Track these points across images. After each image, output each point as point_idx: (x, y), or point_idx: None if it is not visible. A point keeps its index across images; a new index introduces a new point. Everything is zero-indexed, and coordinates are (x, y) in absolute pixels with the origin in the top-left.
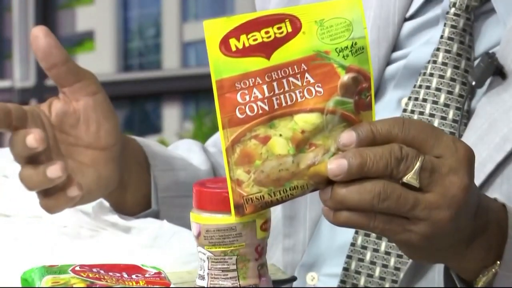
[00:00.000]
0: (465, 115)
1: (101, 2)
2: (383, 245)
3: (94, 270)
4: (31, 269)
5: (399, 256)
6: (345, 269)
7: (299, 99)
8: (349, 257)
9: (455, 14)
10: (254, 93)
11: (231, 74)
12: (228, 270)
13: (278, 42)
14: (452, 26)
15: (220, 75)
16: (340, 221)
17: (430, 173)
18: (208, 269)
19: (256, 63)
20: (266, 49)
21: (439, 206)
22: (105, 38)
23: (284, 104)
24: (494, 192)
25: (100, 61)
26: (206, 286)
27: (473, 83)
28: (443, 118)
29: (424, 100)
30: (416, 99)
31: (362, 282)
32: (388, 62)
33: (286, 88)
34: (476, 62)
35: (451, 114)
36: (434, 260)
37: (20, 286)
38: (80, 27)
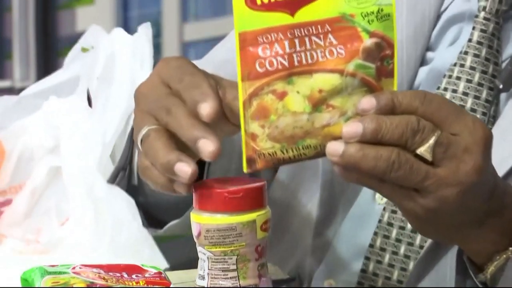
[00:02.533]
0: (491, 121)
1: (101, 2)
2: (403, 248)
3: (94, 270)
4: (31, 269)
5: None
6: (363, 270)
7: (320, 59)
8: (367, 258)
9: (484, 18)
10: (275, 48)
11: (255, 28)
12: (228, 270)
13: (304, 0)
14: (482, 30)
15: (243, 27)
16: (351, 179)
17: (445, 148)
18: (208, 269)
19: (280, 18)
20: (291, 5)
21: (448, 182)
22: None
23: (304, 62)
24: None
25: None
26: (206, 286)
27: (500, 86)
28: None
29: None
30: None
31: (380, 283)
32: (422, 62)
33: (308, 47)
34: (503, 65)
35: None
36: (443, 238)
37: (20, 286)
38: (80, 27)
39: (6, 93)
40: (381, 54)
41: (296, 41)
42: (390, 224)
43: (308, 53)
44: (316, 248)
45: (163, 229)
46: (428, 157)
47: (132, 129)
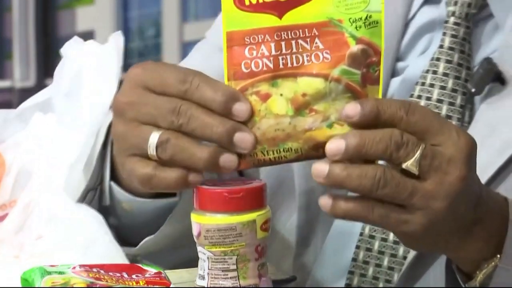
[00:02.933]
0: (466, 126)
1: (101, 2)
2: (386, 260)
3: (94, 270)
4: (31, 269)
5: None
6: (347, 285)
7: (306, 63)
8: (351, 273)
9: (455, 23)
10: (261, 50)
11: (242, 28)
12: (228, 270)
13: (293, 3)
14: (453, 36)
15: (231, 27)
16: (338, 213)
17: (430, 161)
18: (208, 269)
19: (268, 20)
20: (279, 8)
21: (436, 195)
22: (105, 38)
23: (289, 65)
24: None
25: None
26: (206, 286)
27: (473, 90)
28: None
29: None
30: None
31: None
32: (392, 73)
33: (294, 50)
34: (475, 69)
35: (461, 122)
36: (433, 249)
37: (20, 286)
38: (80, 27)
39: (6, 93)
40: (367, 60)
41: (283, 43)
42: (371, 237)
43: (294, 56)
44: (298, 269)
45: (137, 246)
46: (415, 171)
47: (104, 145)
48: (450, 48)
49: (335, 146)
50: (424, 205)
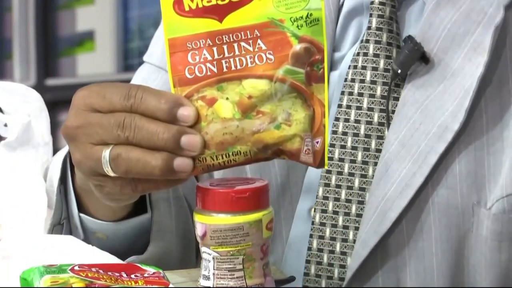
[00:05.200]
0: (393, 108)
1: (101, 2)
2: (338, 246)
3: (93, 269)
4: (30, 268)
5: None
6: (306, 274)
7: (249, 65)
8: (307, 261)
9: (380, 3)
10: (204, 54)
11: (183, 34)
12: (234, 270)
13: (233, 6)
14: (379, 16)
15: (172, 34)
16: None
17: None
18: (214, 269)
19: (208, 24)
20: (219, 11)
21: None
22: (105, 38)
23: (233, 68)
24: (441, 187)
25: (100, 61)
26: (212, 286)
27: (399, 70)
28: (382, 110)
29: (360, 94)
30: (351, 93)
31: (323, 284)
32: (331, 65)
33: (237, 52)
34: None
35: (390, 106)
36: None
37: (20, 285)
38: (80, 27)
39: None
40: (310, 59)
41: (225, 47)
42: (322, 224)
43: (237, 59)
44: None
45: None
46: None
47: (62, 179)
48: (378, 29)
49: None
50: None
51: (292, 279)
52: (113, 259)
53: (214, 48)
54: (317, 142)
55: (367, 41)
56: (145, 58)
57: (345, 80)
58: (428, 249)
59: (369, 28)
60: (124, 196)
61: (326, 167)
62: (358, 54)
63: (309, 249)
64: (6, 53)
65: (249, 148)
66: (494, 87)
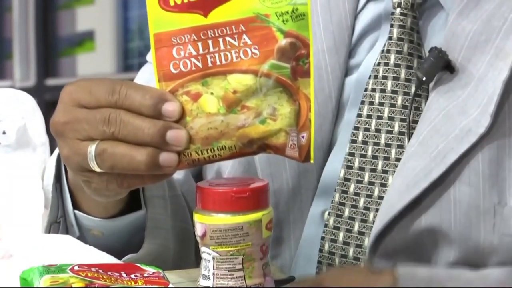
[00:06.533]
0: (418, 114)
1: (101, 2)
2: (351, 251)
3: (93, 269)
4: (30, 268)
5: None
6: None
7: (235, 59)
8: (319, 262)
9: (401, 14)
10: (189, 49)
11: (169, 29)
12: (234, 269)
13: (218, 1)
14: (400, 26)
15: (157, 28)
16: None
17: None
18: (214, 269)
19: (193, 19)
20: (204, 6)
21: None
22: (105, 38)
23: (218, 63)
24: (462, 184)
25: (100, 61)
26: (211, 286)
27: (423, 78)
28: (403, 120)
29: (381, 104)
30: (372, 103)
31: None
32: (346, 71)
33: (222, 47)
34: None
35: (411, 116)
36: None
37: (19, 285)
38: (80, 27)
39: None
40: (296, 53)
41: (210, 42)
42: (336, 228)
43: (222, 54)
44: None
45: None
46: None
47: (57, 178)
48: (399, 39)
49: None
50: None
51: (291, 278)
52: (111, 259)
53: (199, 43)
54: (303, 137)
55: (388, 51)
56: (148, 57)
57: (365, 90)
58: (448, 248)
59: (390, 38)
60: (111, 192)
61: (312, 161)
62: (379, 64)
63: (320, 251)
64: (6, 53)
65: (234, 143)
66: None
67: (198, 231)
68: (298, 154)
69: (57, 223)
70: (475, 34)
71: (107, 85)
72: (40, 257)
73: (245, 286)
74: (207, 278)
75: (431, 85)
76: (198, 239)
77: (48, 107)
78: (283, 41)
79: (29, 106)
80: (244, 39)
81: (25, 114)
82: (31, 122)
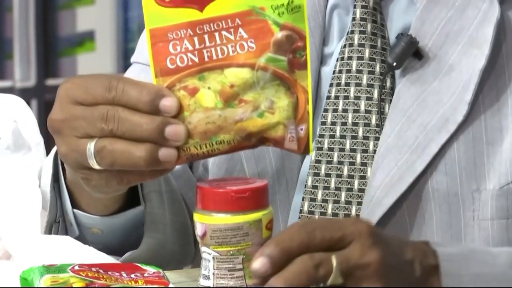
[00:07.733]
0: (389, 92)
1: (101, 2)
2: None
3: (93, 269)
4: (30, 268)
5: None
6: None
7: (231, 53)
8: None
9: None
10: (185, 44)
11: (164, 24)
12: (234, 269)
13: None
14: (363, 7)
15: (153, 24)
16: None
17: (347, 266)
18: (214, 269)
19: (189, 14)
20: (200, 1)
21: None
22: (105, 38)
23: (215, 57)
24: (439, 173)
25: (100, 61)
26: (212, 286)
27: (394, 64)
28: (369, 98)
29: (347, 84)
30: (339, 84)
31: None
32: (321, 58)
33: (218, 42)
34: (392, 42)
35: (376, 94)
36: None
37: (20, 285)
38: (80, 27)
39: (6, 93)
40: (292, 46)
41: (206, 36)
42: (311, 213)
43: (218, 48)
44: None
45: (121, 258)
46: (340, 281)
47: (55, 177)
48: (362, 19)
49: (261, 267)
50: None
51: None
52: (111, 260)
53: (195, 38)
54: (301, 129)
55: (352, 32)
56: (133, 59)
57: (333, 72)
58: (430, 237)
59: (353, 19)
60: (111, 189)
61: (311, 153)
62: (344, 45)
63: None
64: (7, 53)
65: (232, 137)
66: (491, 80)
67: (199, 231)
68: (297, 146)
69: (57, 223)
70: (448, 22)
71: (103, 81)
72: (40, 257)
73: (245, 286)
74: (207, 278)
75: (398, 71)
76: (199, 239)
77: (48, 107)
78: (279, 34)
79: (20, 108)
80: (240, 32)
81: (16, 117)
82: (23, 124)
